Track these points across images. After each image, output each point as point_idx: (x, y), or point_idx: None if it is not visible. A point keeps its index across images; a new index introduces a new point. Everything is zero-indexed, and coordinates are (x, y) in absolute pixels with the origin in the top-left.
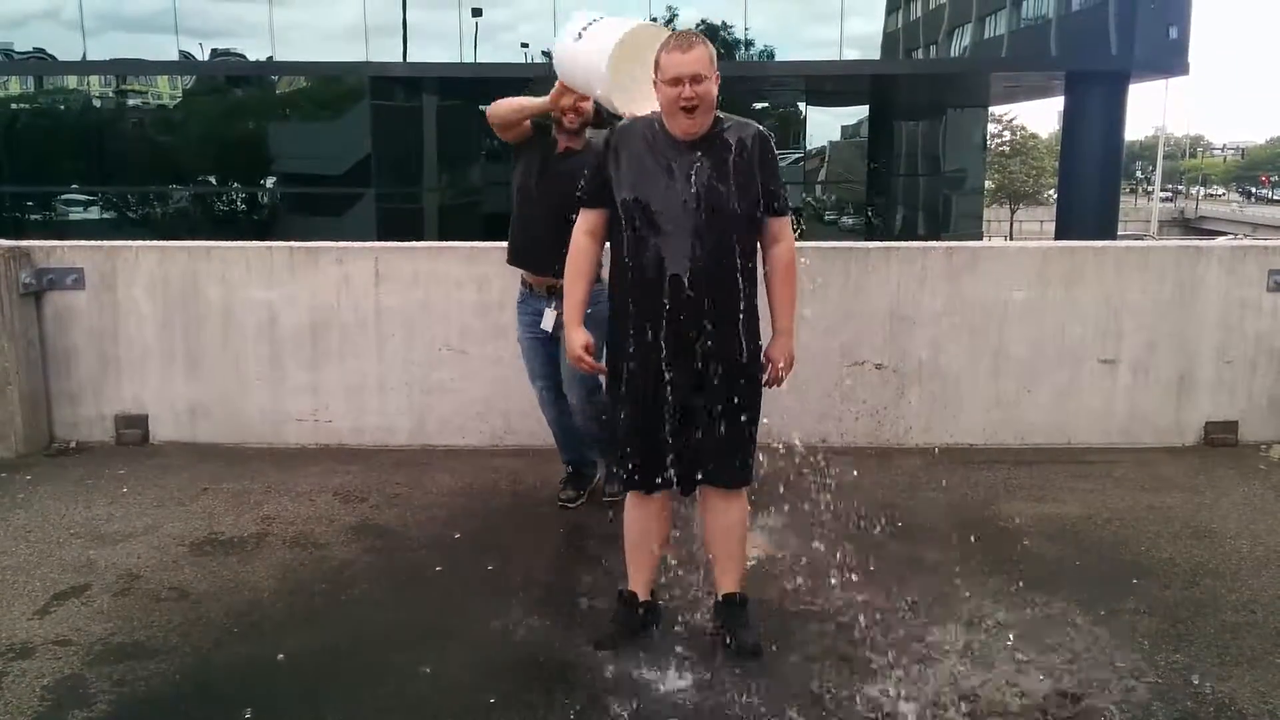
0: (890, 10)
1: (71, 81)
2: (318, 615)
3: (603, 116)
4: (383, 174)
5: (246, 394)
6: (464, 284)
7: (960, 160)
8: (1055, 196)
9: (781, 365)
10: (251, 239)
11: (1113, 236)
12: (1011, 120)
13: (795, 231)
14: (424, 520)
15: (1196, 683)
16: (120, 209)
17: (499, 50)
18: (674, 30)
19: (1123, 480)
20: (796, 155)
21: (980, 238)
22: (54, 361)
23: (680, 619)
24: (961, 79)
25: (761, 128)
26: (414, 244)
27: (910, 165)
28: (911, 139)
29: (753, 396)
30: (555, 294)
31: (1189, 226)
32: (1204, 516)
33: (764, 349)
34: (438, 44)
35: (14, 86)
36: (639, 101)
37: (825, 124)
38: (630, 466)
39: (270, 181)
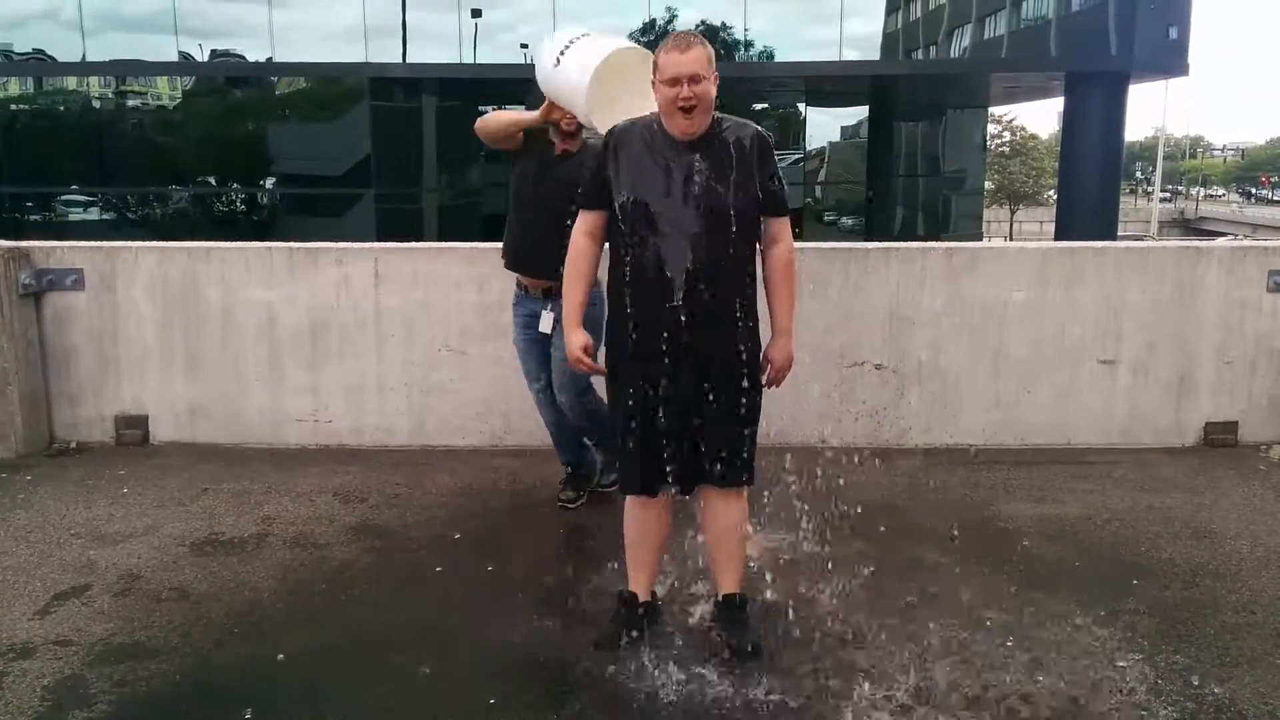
0: (890, 11)
1: (71, 82)
2: (318, 615)
3: None
4: (382, 175)
5: (246, 394)
6: (463, 284)
7: (960, 161)
8: (1055, 197)
9: (780, 366)
10: (251, 240)
11: (1112, 237)
12: (1011, 121)
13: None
14: (424, 520)
15: (1196, 683)
16: (120, 210)
17: (498, 51)
18: (669, 34)
19: (1122, 481)
20: (796, 156)
21: (980, 238)
22: (54, 362)
23: (680, 619)
24: (961, 79)
25: (760, 128)
26: (413, 244)
27: (910, 166)
28: (911, 140)
29: (752, 397)
30: (551, 295)
31: (1189, 227)
32: (1204, 517)
33: (763, 350)
34: (437, 45)
35: (13, 87)
36: (622, 119)
37: (825, 125)
38: (630, 467)
39: (270, 182)
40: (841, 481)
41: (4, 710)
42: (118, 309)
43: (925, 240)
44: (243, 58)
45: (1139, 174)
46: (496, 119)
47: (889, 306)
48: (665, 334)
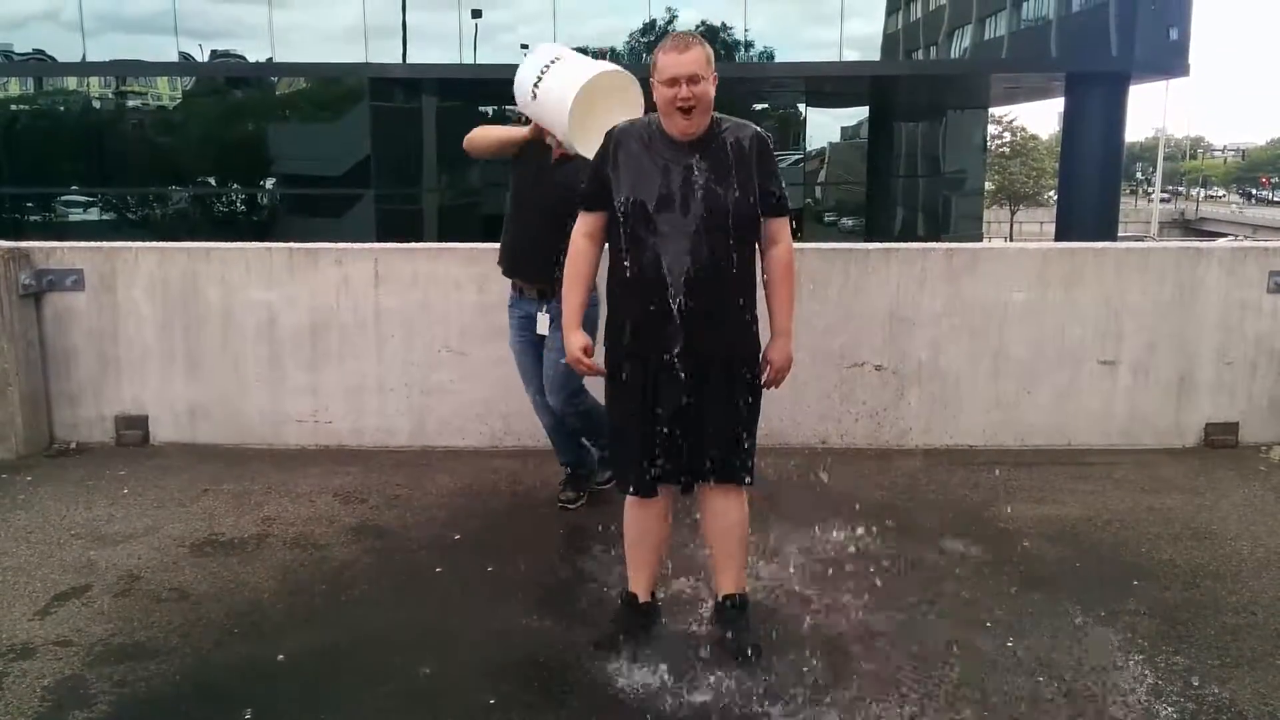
0: (890, 11)
1: (71, 83)
2: (318, 616)
3: None
4: (382, 175)
5: (246, 395)
6: (463, 285)
7: (960, 161)
8: (1055, 198)
9: (780, 367)
10: (251, 240)
11: (1113, 238)
12: (1011, 121)
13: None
14: (424, 521)
15: (1197, 684)
16: (120, 210)
17: (498, 52)
18: (668, 34)
19: (1123, 482)
20: (796, 156)
21: (980, 239)
22: (54, 363)
23: (680, 619)
24: (961, 80)
25: (759, 129)
26: (413, 245)
27: (910, 166)
28: (911, 140)
29: (752, 397)
30: (547, 297)
31: (1189, 228)
32: (1204, 518)
33: (763, 350)
34: (437, 45)
35: (13, 88)
36: (586, 140)
37: (825, 125)
38: (629, 467)
39: (270, 183)
40: (841, 482)
41: (4, 711)
42: (118, 309)
43: (925, 241)
44: (243, 58)
45: (1139, 175)
46: (485, 137)
47: (889, 307)
48: (665, 334)
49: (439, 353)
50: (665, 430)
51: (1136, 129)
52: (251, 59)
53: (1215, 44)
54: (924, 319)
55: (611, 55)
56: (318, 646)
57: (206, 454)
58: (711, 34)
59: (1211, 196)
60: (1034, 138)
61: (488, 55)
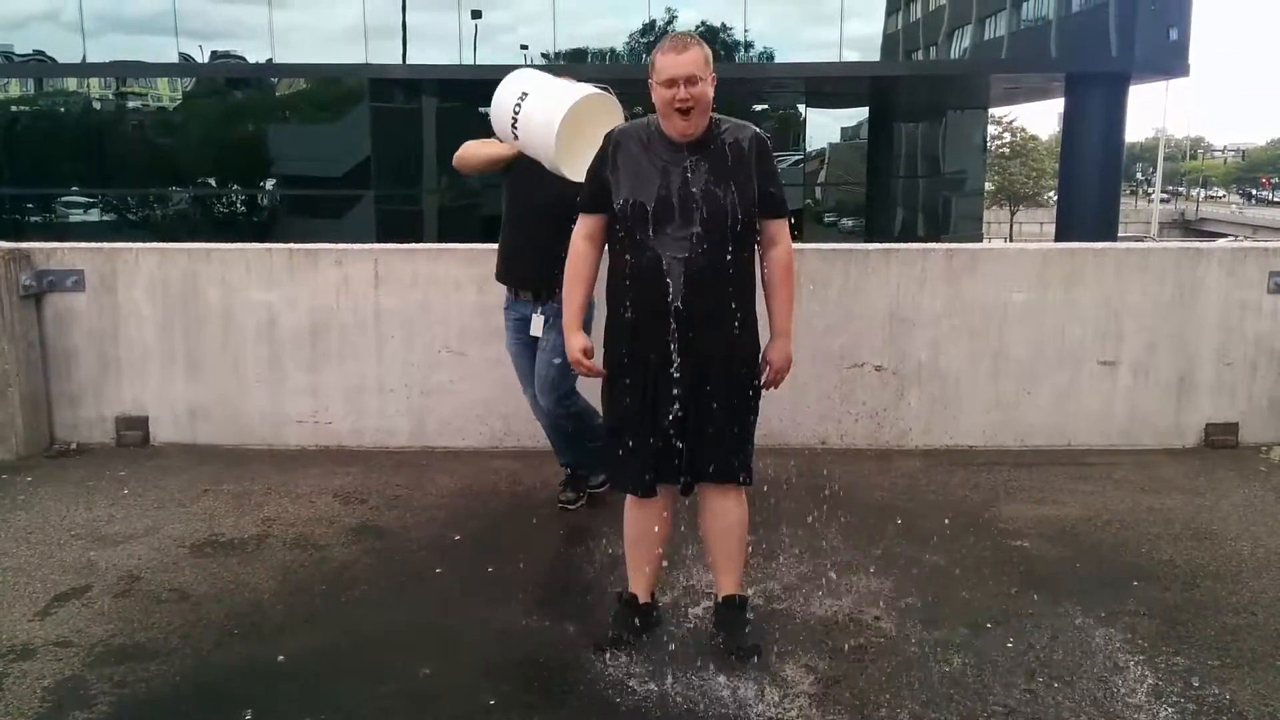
0: (890, 12)
1: (71, 83)
2: (318, 616)
3: None
4: (382, 176)
5: (246, 396)
6: (463, 285)
7: (960, 162)
8: (1055, 198)
9: (779, 368)
10: (251, 241)
11: (1113, 238)
12: (1011, 122)
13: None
14: (424, 522)
15: (1197, 685)
16: (120, 211)
17: (498, 52)
18: (667, 35)
19: (1123, 482)
20: (796, 157)
21: (980, 239)
22: (54, 363)
23: (680, 620)
24: (961, 80)
25: (759, 130)
26: (413, 245)
27: (910, 167)
28: (911, 141)
29: (751, 397)
30: (541, 299)
31: (1189, 228)
32: (1204, 518)
33: (762, 350)
34: (437, 46)
35: (14, 89)
36: (575, 165)
37: (825, 126)
38: (629, 468)
39: (270, 184)
40: (841, 483)
41: (4, 711)
42: (118, 310)
43: (925, 241)
44: (243, 59)
45: (1139, 175)
46: (475, 156)
47: (889, 308)
48: (664, 335)
49: (439, 353)
50: (664, 430)
51: (1136, 129)
52: (251, 60)
53: (1215, 44)
54: (924, 319)
55: (611, 56)
56: (318, 647)
57: (207, 455)
58: (711, 34)
59: (1211, 197)
60: (1034, 138)
61: (488, 56)
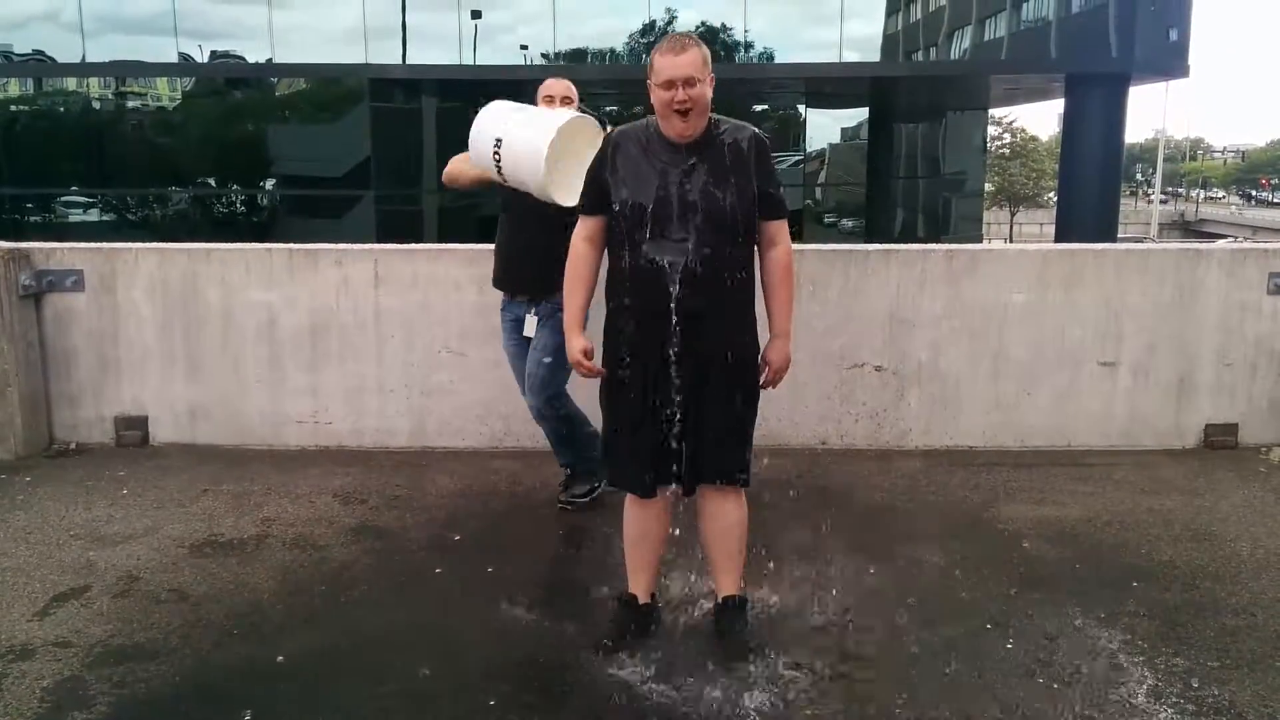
0: (890, 12)
1: (71, 83)
2: (317, 617)
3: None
4: (382, 176)
5: (246, 396)
6: (464, 286)
7: (960, 163)
8: (1055, 199)
9: (778, 368)
10: (251, 241)
11: (1113, 239)
12: (1011, 123)
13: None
14: (423, 522)
15: (1197, 686)
16: (120, 211)
17: (498, 53)
18: (668, 35)
19: (1123, 483)
20: (796, 158)
21: (980, 240)
22: (54, 363)
23: (679, 621)
24: (961, 81)
25: (757, 130)
26: (413, 246)
27: (910, 168)
28: (911, 141)
29: (749, 398)
30: (535, 300)
31: (1189, 229)
32: (1204, 519)
33: (761, 351)
34: (437, 46)
35: (13, 88)
36: (567, 190)
37: (825, 126)
38: (628, 469)
39: (270, 184)
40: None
41: (4, 712)
42: (118, 310)
43: (925, 242)
44: (243, 59)
45: (1139, 176)
46: (464, 174)
47: (889, 308)
48: (663, 335)
49: (439, 354)
50: (663, 431)
51: (1136, 130)
52: (251, 60)
53: (1215, 45)
54: (924, 320)
55: (611, 56)
56: (317, 647)
57: (206, 455)
58: (711, 35)
59: (1211, 198)
60: (1034, 139)
61: (488, 56)
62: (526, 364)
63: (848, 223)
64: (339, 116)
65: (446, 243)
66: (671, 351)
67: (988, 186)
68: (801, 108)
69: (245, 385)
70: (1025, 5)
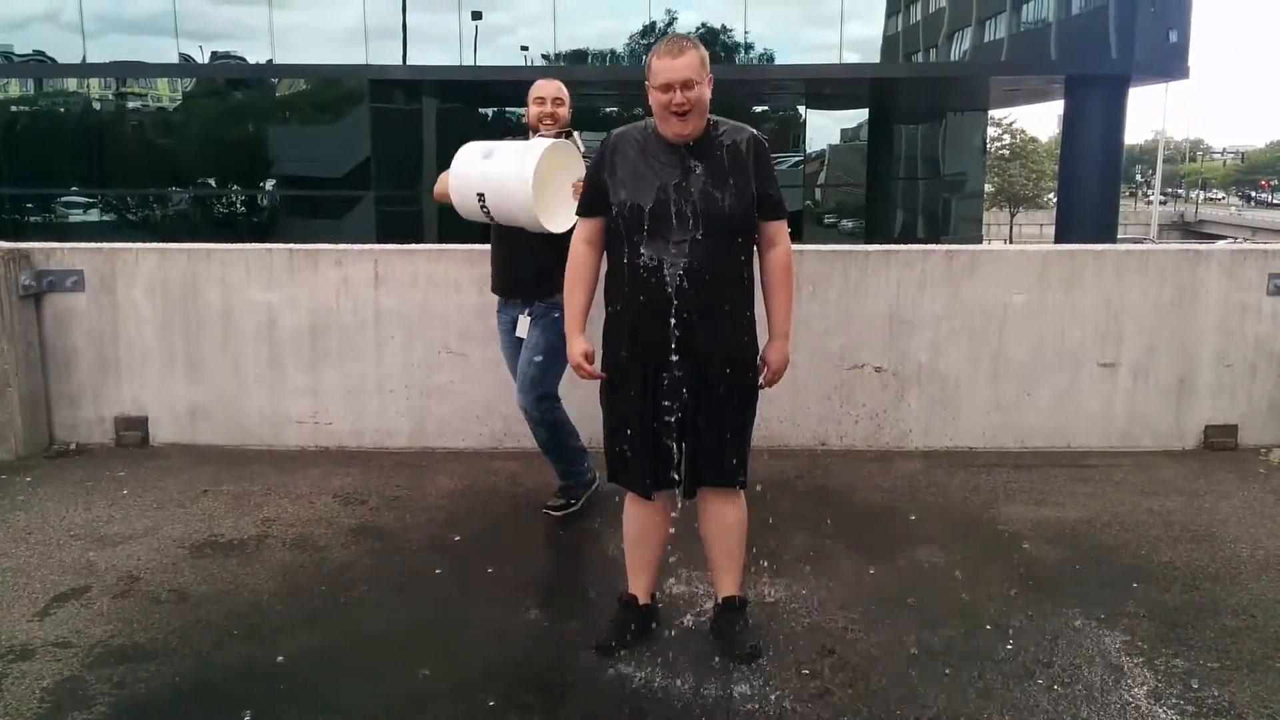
0: (890, 14)
1: (71, 84)
2: (317, 617)
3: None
4: (382, 176)
5: (246, 396)
6: (464, 286)
7: (960, 164)
8: (1055, 200)
9: (777, 369)
10: (251, 241)
11: (1112, 240)
12: (1011, 124)
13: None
14: (423, 522)
15: (1196, 687)
16: (120, 211)
17: (499, 53)
18: (666, 36)
19: (1122, 484)
20: (796, 159)
21: (980, 241)
22: (53, 363)
23: (679, 621)
24: (961, 82)
25: (756, 132)
26: (414, 246)
27: (910, 169)
28: (911, 142)
29: (748, 399)
30: (529, 301)
31: (1189, 230)
32: (1204, 520)
33: (760, 352)
34: (437, 47)
35: (14, 89)
36: (564, 215)
37: (825, 127)
38: (628, 470)
39: (270, 184)
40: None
41: (3, 712)
42: (118, 310)
43: (925, 243)
44: (243, 60)
45: (1139, 177)
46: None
47: (889, 309)
48: (662, 336)
49: (439, 354)
50: (662, 432)
51: (1136, 131)
52: (252, 60)
53: (1215, 46)
54: (924, 321)
55: (611, 57)
56: (317, 648)
57: (206, 455)
58: (711, 36)
59: (1211, 199)
60: (1033, 140)
61: (488, 57)
62: (519, 362)
63: (847, 223)
64: (339, 117)
65: (447, 243)
66: (671, 352)
67: (987, 187)
68: (801, 109)
69: (245, 385)
70: (1025, 7)
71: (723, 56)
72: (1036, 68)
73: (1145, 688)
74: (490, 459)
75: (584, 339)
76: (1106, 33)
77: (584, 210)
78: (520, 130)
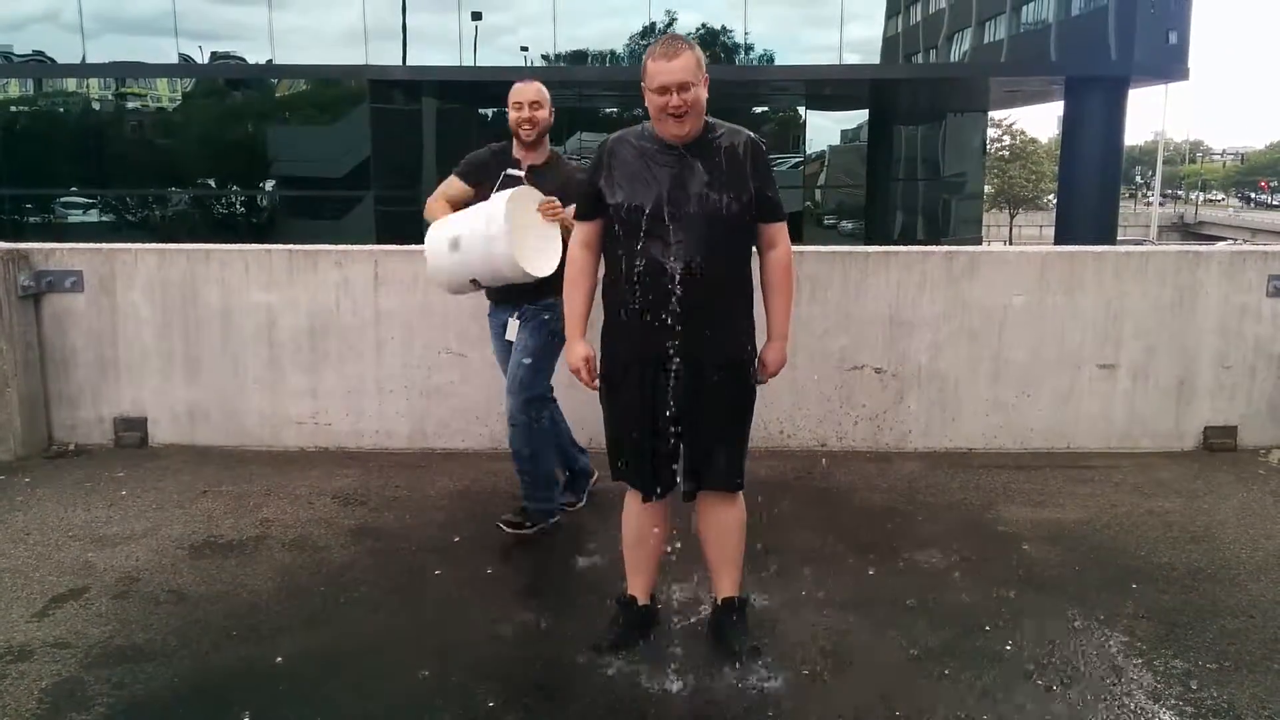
0: (890, 15)
1: (71, 84)
2: (317, 618)
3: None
4: (382, 177)
5: (245, 397)
6: None
7: (960, 165)
8: (1055, 201)
9: (774, 371)
10: (250, 242)
11: (1112, 241)
12: (1011, 125)
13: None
14: (423, 523)
15: (1195, 688)
16: (119, 212)
17: (499, 54)
18: (661, 37)
19: (1122, 485)
20: (796, 160)
21: (979, 242)
22: (53, 364)
23: (679, 622)
24: (961, 84)
25: (753, 135)
26: (414, 247)
27: (910, 170)
28: (911, 143)
29: (746, 401)
30: (518, 304)
31: (1188, 231)
32: (1203, 521)
33: (759, 352)
34: (437, 47)
35: (13, 89)
36: (547, 253)
37: (825, 128)
38: (629, 468)
39: (269, 184)
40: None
41: (2, 713)
42: (117, 311)
43: (925, 244)
44: (243, 60)
45: (1138, 178)
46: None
47: (889, 310)
48: (661, 338)
49: (439, 355)
50: (661, 433)
51: (1135, 133)
52: (251, 61)
53: (1215, 48)
54: (923, 322)
55: (611, 58)
56: (317, 648)
57: (205, 456)
58: (711, 37)
59: (1210, 200)
60: (1033, 141)
61: (488, 58)
62: (509, 365)
63: (847, 224)
64: (339, 117)
65: None
66: (669, 354)
67: (987, 189)
68: (801, 110)
69: (244, 386)
70: (1025, 8)
71: (722, 57)
72: (1036, 69)
73: (1144, 688)
74: (490, 459)
75: (585, 344)
76: (1106, 34)
77: (581, 215)
78: (510, 136)
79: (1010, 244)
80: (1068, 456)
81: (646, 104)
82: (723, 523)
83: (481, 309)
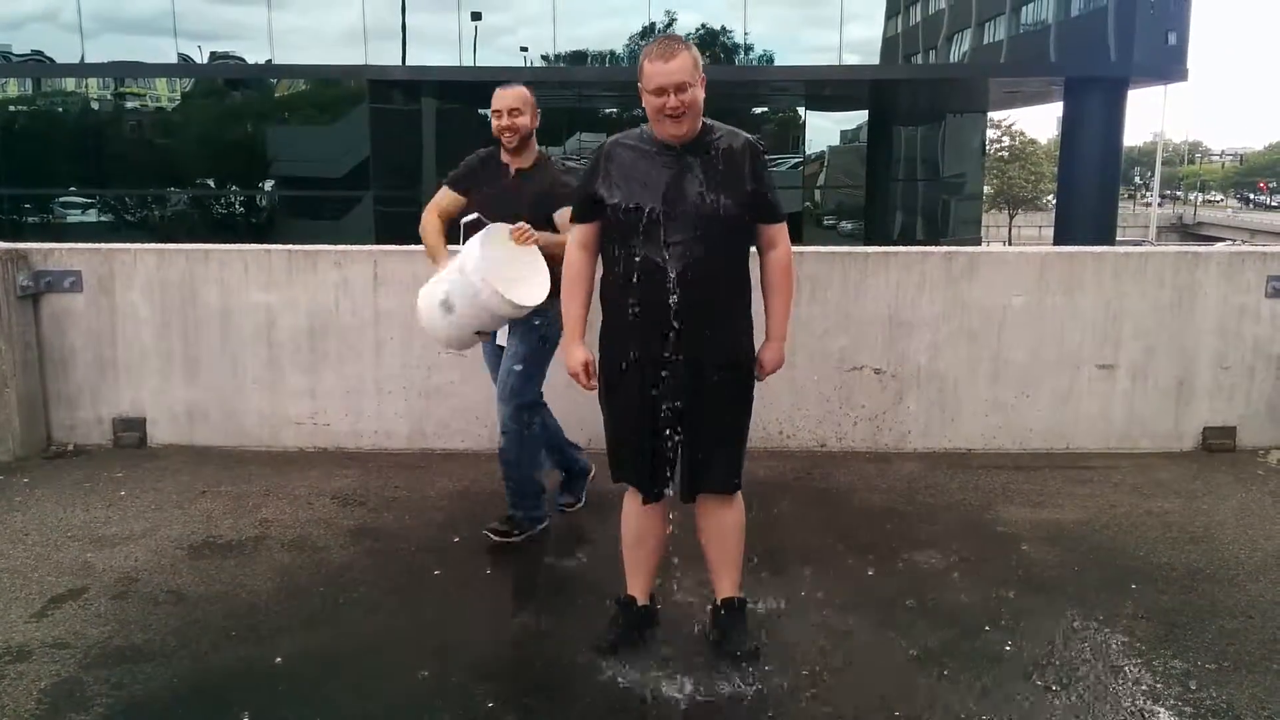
0: (890, 15)
1: (69, 84)
2: (316, 618)
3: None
4: (381, 177)
5: (244, 397)
6: None
7: (959, 165)
8: (1054, 202)
9: (771, 371)
10: (250, 242)
11: (1111, 242)
12: (1010, 125)
13: None
14: (422, 523)
15: (1194, 688)
16: (118, 212)
17: (498, 54)
18: (657, 38)
19: (1121, 485)
20: (796, 160)
21: (979, 243)
22: (51, 364)
23: (678, 622)
24: (961, 84)
25: (751, 137)
26: (413, 247)
27: (909, 170)
28: (910, 144)
29: (745, 402)
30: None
31: (1187, 232)
32: (1202, 522)
33: (757, 353)
34: (437, 47)
35: (12, 89)
36: (536, 276)
37: (824, 129)
38: (630, 468)
39: (268, 184)
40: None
41: (1, 713)
42: (116, 311)
43: (924, 245)
44: (242, 60)
45: (1137, 179)
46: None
47: (888, 311)
48: (660, 339)
49: (438, 355)
50: (661, 434)
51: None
52: (251, 61)
53: (1214, 49)
54: (923, 322)
55: (611, 58)
56: (316, 649)
57: (204, 456)
58: (711, 37)
59: (1209, 201)
60: (1032, 142)
61: (488, 58)
62: (500, 371)
63: (847, 225)
64: (338, 117)
65: (446, 244)
66: (668, 355)
67: (986, 189)
68: (801, 110)
69: (243, 386)
70: (1025, 9)
71: (722, 58)
72: (1036, 69)
73: (1143, 689)
74: (489, 460)
75: (583, 348)
76: (1106, 35)
77: (578, 217)
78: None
79: (1009, 244)
80: (1067, 457)
81: (644, 105)
82: (722, 523)
83: None
